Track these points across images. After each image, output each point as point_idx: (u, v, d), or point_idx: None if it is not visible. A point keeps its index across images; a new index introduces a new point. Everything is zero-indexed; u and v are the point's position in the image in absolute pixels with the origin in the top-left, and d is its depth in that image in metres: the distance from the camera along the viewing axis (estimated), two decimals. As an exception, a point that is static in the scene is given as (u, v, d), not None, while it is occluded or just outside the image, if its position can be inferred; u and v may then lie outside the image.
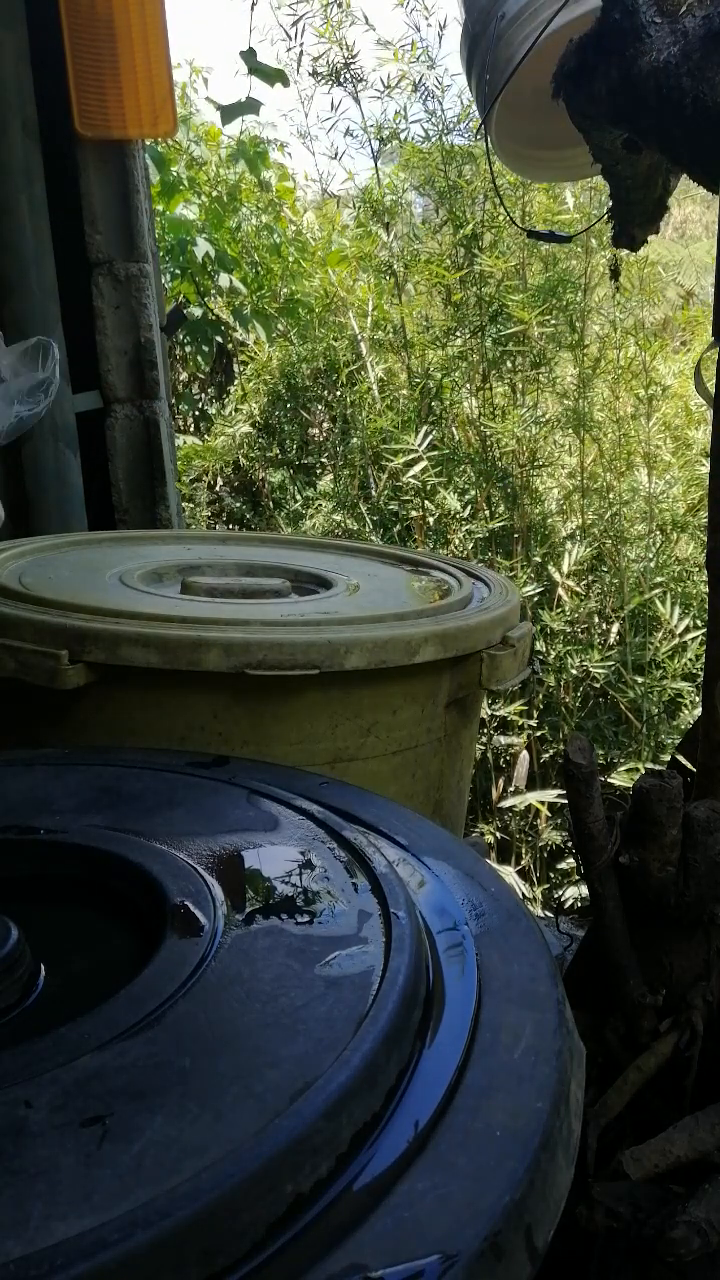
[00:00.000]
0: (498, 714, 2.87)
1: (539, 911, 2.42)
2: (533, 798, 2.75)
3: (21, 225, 1.93)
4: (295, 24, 3.19)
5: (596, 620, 3.07)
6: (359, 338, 3.56)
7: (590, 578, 3.12)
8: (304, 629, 0.93)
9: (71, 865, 0.65)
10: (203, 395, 4.69)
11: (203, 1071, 0.44)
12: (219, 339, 4.30)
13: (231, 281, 4.13)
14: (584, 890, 1.05)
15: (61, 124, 1.98)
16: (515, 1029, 0.49)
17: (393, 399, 3.54)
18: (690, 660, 2.70)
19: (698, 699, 2.34)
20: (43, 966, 0.55)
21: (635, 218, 1.33)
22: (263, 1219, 0.37)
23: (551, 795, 2.73)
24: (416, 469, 3.07)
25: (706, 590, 1.08)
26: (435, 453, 3.16)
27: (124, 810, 0.71)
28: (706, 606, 1.10)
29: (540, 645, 2.85)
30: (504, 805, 2.85)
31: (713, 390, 1.12)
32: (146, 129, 2.02)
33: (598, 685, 2.88)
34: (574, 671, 2.84)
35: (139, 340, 2.18)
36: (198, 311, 4.11)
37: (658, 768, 0.98)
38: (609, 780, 2.51)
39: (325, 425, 4.04)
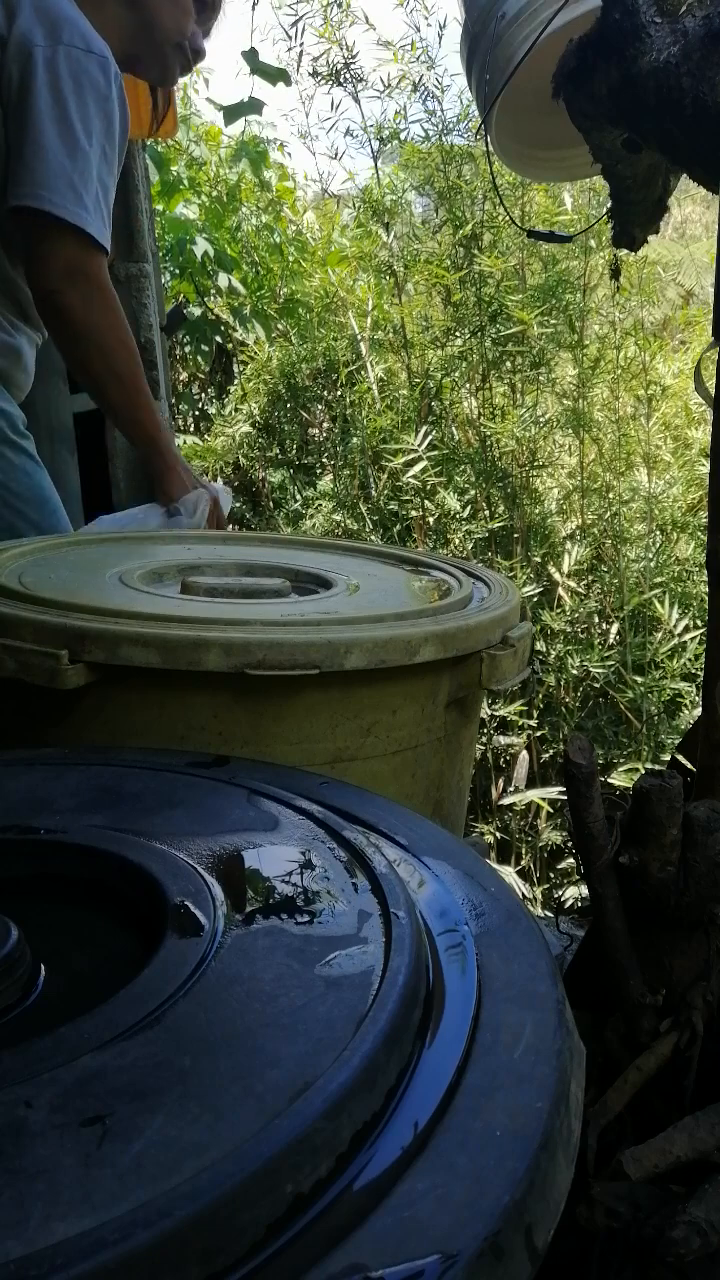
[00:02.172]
0: (498, 714, 2.87)
1: (539, 911, 2.42)
2: (533, 795, 2.76)
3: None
4: (295, 24, 3.20)
5: (596, 620, 3.07)
6: (359, 338, 3.55)
7: (590, 578, 3.12)
8: (304, 629, 0.93)
9: (71, 865, 0.65)
10: (203, 395, 4.69)
11: (203, 1071, 0.44)
12: (219, 339, 4.30)
13: (231, 281, 4.13)
14: (584, 890, 1.05)
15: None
16: (515, 1029, 0.49)
17: (393, 399, 3.54)
18: (690, 660, 2.70)
19: (698, 699, 2.34)
20: (43, 966, 0.55)
21: (635, 218, 1.33)
22: (263, 1219, 0.37)
23: (553, 793, 2.73)
24: (416, 469, 3.07)
25: (706, 590, 1.08)
26: (435, 453, 3.16)
27: (124, 810, 0.71)
28: (706, 606, 1.10)
29: (540, 645, 2.85)
30: (504, 804, 2.85)
31: (712, 390, 1.12)
32: (146, 129, 2.02)
33: (597, 685, 2.88)
34: (574, 671, 2.84)
35: (139, 340, 2.18)
36: (198, 311, 4.11)
37: (658, 768, 0.98)
38: (609, 780, 2.52)
39: (325, 425, 4.04)
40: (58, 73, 1.39)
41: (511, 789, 2.87)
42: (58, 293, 1.44)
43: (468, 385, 3.35)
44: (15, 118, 1.40)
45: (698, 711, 1.31)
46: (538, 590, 2.97)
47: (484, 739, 2.86)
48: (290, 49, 3.26)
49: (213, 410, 4.51)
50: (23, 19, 1.39)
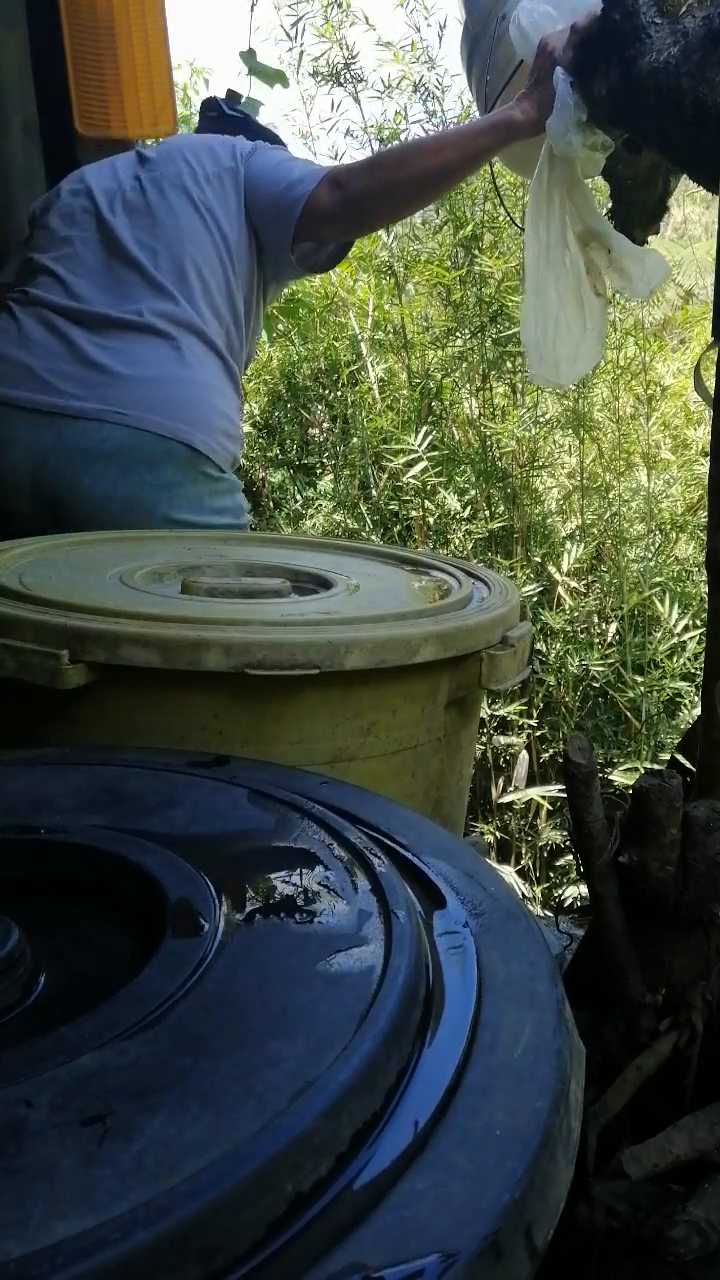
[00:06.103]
0: (498, 714, 2.87)
1: (539, 911, 2.42)
2: (533, 793, 2.76)
3: (22, 225, 1.93)
4: (295, 24, 3.19)
5: (596, 620, 3.07)
6: (359, 338, 3.55)
7: (590, 577, 3.12)
8: (304, 629, 0.94)
9: (72, 865, 0.65)
10: (203, 395, 4.68)
11: (203, 1071, 0.44)
12: (219, 339, 4.29)
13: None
14: (583, 889, 1.05)
15: (61, 124, 1.98)
16: (515, 1028, 0.49)
17: (393, 399, 3.54)
18: (689, 660, 2.70)
19: (697, 698, 2.34)
20: (43, 966, 0.55)
21: (636, 218, 1.33)
22: (263, 1218, 0.37)
23: (553, 791, 2.73)
24: (416, 469, 3.07)
25: (706, 590, 1.08)
26: (435, 453, 3.16)
27: (124, 810, 0.71)
28: (706, 606, 1.10)
29: (540, 645, 2.85)
30: (504, 803, 2.85)
31: (712, 390, 1.12)
32: (146, 129, 2.02)
33: (597, 685, 2.88)
34: (574, 671, 2.84)
35: (139, 340, 2.17)
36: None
37: (657, 767, 0.98)
38: (609, 779, 2.52)
39: (325, 425, 4.04)
40: (230, 166, 1.72)
41: (511, 788, 2.87)
42: (347, 202, 1.62)
43: (468, 385, 3.34)
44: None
45: (697, 711, 1.31)
46: (538, 590, 2.97)
47: (484, 739, 2.86)
48: (290, 49, 3.25)
49: (213, 410, 4.50)
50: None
